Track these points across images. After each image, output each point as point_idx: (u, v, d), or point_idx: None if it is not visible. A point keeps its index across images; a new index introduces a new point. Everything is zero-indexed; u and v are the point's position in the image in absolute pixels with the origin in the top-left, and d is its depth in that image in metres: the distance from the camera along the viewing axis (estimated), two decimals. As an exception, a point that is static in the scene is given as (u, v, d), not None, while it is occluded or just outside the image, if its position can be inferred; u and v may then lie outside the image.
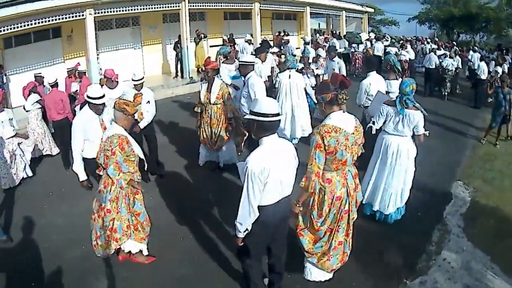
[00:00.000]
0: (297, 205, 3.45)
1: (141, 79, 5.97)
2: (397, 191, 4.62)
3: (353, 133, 3.31)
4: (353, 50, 16.14)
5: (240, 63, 6.16)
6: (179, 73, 14.72)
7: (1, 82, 10.96)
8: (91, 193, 5.92)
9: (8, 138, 6.38)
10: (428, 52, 13.92)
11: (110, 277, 4.09)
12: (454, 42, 21.94)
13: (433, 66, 12.59)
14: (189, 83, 13.98)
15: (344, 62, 9.45)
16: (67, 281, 4.06)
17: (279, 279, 3.60)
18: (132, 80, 5.97)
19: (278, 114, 2.93)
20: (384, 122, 4.62)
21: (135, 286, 3.96)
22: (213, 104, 6.04)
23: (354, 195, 3.46)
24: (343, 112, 3.36)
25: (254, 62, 6.27)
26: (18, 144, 6.63)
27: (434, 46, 15.10)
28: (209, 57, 6.51)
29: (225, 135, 6.16)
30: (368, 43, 15.89)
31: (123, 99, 4.01)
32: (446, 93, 12.36)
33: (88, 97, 4.46)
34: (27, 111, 7.64)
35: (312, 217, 3.45)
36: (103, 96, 4.52)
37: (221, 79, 6.56)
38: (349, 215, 3.48)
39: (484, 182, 6.23)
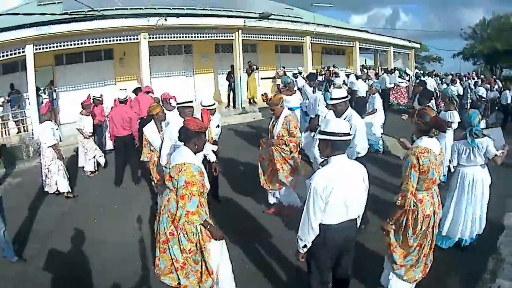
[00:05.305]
0: (390, 223, 3.70)
1: (213, 104, 5.75)
2: (475, 218, 4.76)
3: (439, 154, 3.61)
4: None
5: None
6: (231, 103, 14.79)
7: (51, 97, 11.18)
8: (141, 211, 5.96)
9: (49, 146, 6.52)
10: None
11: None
12: (494, 77, 21.85)
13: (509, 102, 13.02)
14: (241, 113, 14.01)
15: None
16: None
17: None
18: (202, 105, 5.56)
19: (348, 134, 3.02)
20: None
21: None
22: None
23: (438, 212, 3.73)
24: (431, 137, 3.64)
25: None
26: (57, 158, 6.65)
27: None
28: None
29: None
30: (412, 77, 16.41)
31: None
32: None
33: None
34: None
35: (407, 235, 3.66)
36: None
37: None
38: (433, 230, 3.72)
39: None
